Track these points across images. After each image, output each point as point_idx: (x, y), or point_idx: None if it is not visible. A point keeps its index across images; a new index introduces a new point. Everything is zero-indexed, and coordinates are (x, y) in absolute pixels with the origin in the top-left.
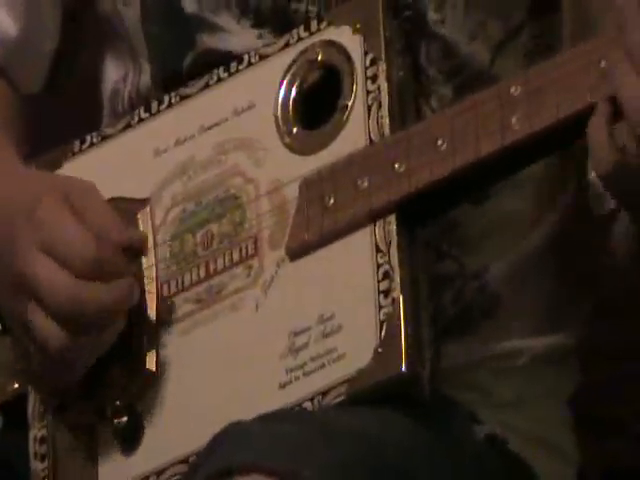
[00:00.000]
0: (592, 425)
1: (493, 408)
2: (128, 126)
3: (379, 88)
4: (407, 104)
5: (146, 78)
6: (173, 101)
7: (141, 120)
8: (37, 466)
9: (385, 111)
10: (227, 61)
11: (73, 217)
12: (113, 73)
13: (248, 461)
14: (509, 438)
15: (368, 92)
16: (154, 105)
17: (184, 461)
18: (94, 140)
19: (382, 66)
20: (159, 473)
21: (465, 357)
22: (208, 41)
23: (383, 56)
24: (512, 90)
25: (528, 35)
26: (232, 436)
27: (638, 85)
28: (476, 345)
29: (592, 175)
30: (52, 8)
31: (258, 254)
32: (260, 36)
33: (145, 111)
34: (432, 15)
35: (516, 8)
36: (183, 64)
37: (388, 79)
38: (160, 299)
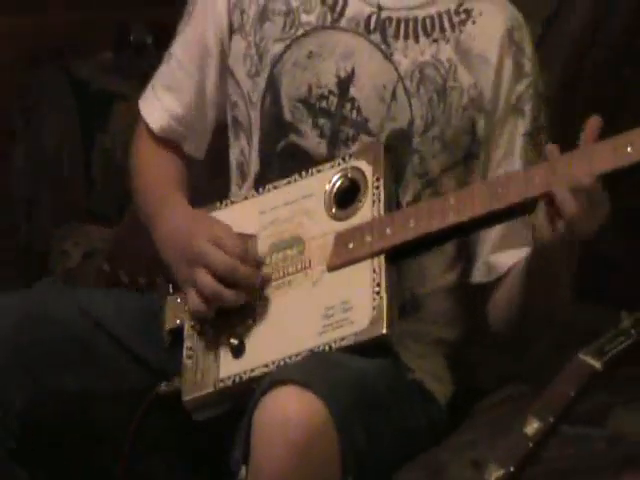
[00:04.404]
0: (462, 366)
1: (412, 358)
2: (246, 198)
3: (380, 193)
4: (392, 201)
5: (255, 153)
6: (270, 188)
7: (253, 196)
8: (187, 362)
9: (382, 204)
10: (300, 155)
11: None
12: (238, 150)
13: (283, 377)
14: (418, 374)
15: (373, 194)
16: (260, 189)
17: (266, 365)
18: (227, 203)
19: (381, 182)
20: (252, 370)
21: (402, 331)
22: (292, 138)
23: (383, 176)
24: (451, 200)
25: (462, 167)
26: (277, 368)
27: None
28: (408, 327)
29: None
30: (211, 109)
31: (311, 267)
32: (320, 136)
33: (256, 191)
34: (416, 140)
35: (459, 148)
36: (277, 148)
37: (384, 188)
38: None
